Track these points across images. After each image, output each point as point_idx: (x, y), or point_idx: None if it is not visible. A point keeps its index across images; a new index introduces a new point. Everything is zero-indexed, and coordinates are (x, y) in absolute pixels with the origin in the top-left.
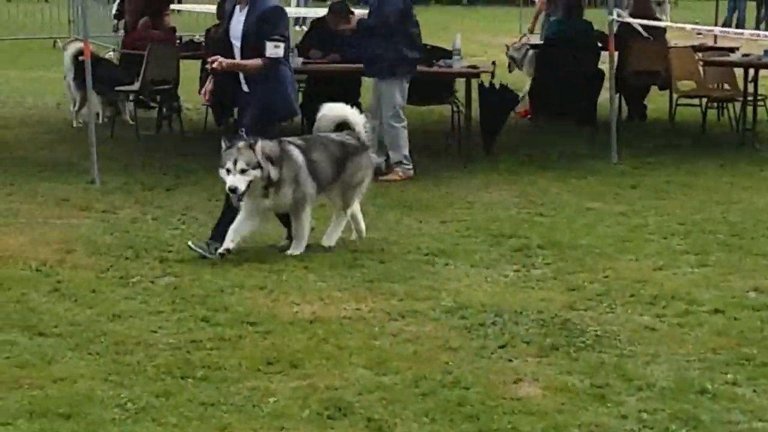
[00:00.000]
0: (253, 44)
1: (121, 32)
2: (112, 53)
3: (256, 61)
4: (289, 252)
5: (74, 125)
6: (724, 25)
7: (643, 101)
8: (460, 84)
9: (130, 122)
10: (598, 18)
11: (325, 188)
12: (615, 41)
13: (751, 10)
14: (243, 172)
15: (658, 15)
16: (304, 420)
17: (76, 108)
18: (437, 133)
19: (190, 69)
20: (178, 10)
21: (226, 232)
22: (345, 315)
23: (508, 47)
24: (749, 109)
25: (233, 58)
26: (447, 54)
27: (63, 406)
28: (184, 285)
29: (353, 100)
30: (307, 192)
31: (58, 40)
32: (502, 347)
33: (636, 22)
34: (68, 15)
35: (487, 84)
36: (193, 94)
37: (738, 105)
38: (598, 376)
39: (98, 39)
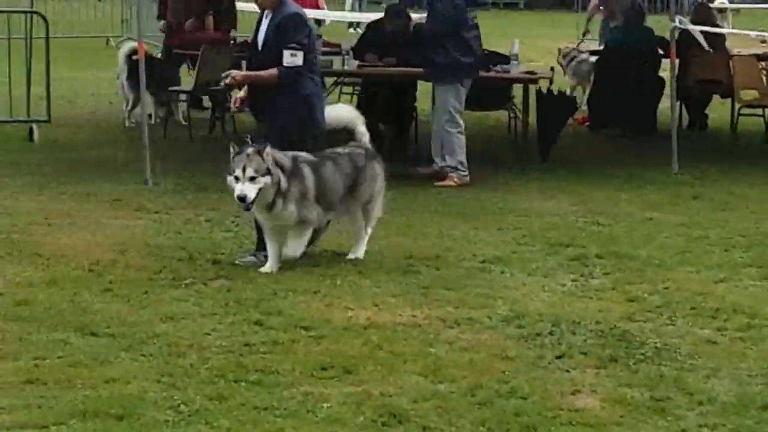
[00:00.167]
0: (272, 53)
1: None
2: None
3: (272, 72)
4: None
5: (126, 125)
6: None
7: (704, 110)
8: (517, 90)
9: (183, 123)
10: (658, 25)
11: (335, 207)
12: (676, 49)
13: None
14: (252, 179)
15: (719, 23)
16: (358, 426)
17: (129, 108)
18: (493, 139)
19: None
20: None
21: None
22: (400, 321)
23: (559, 51)
24: None
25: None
26: (504, 59)
27: (116, 406)
28: (237, 288)
29: (409, 105)
30: (311, 217)
31: (111, 38)
32: (559, 357)
33: (698, 29)
34: (121, 14)
35: (545, 90)
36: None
37: None
38: (658, 389)
39: (151, 38)
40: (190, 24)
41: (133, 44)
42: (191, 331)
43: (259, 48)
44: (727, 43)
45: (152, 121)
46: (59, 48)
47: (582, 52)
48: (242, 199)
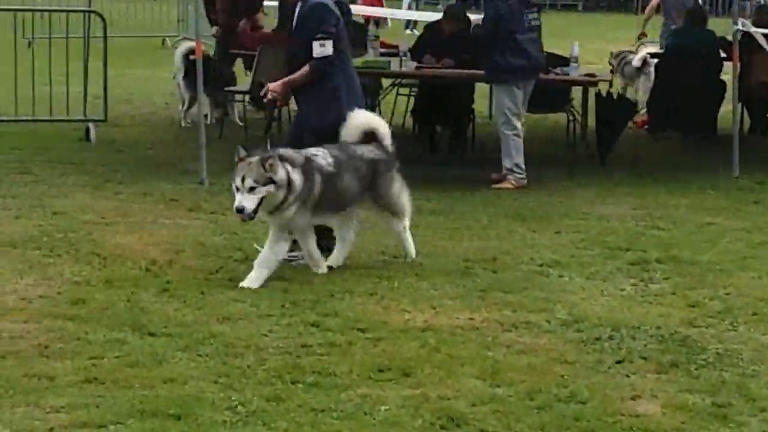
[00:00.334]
0: (302, 45)
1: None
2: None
3: (304, 70)
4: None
5: (182, 125)
6: None
7: (766, 114)
8: (576, 92)
9: (239, 123)
10: (720, 28)
11: (343, 209)
12: (738, 52)
13: None
14: (252, 190)
15: None
16: (416, 429)
17: (185, 108)
18: (552, 141)
19: None
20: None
21: (330, 239)
22: (457, 324)
23: (612, 54)
24: None
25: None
26: (563, 61)
27: (173, 406)
28: (294, 289)
29: (466, 106)
30: (301, 221)
31: (167, 38)
32: (619, 362)
33: (760, 31)
34: (177, 14)
35: (604, 93)
36: None
37: None
38: (720, 395)
39: (207, 38)
40: (243, 23)
41: (190, 44)
42: (248, 331)
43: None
44: None
45: (208, 122)
46: (115, 47)
47: (632, 53)
48: (239, 210)
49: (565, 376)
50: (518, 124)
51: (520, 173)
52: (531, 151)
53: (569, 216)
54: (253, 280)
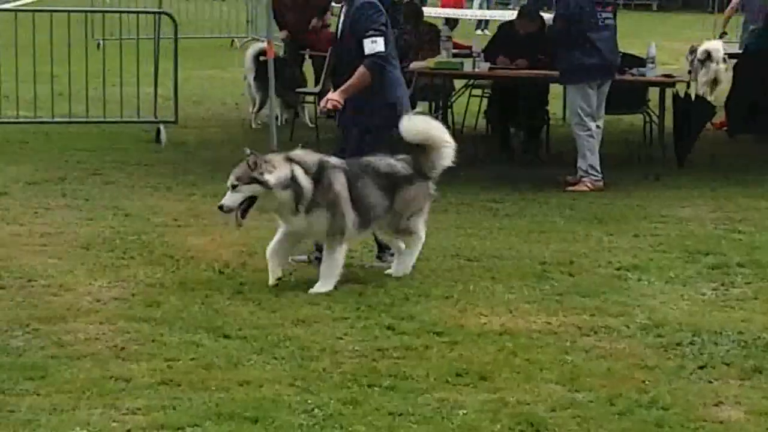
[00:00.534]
0: (350, 45)
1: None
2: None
3: (359, 72)
4: (312, 290)
5: (253, 126)
6: None
7: None
8: (653, 93)
9: (310, 125)
10: None
11: (371, 224)
12: None
13: None
14: (234, 188)
15: None
16: None
17: (255, 109)
18: (628, 143)
19: None
20: None
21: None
22: (534, 328)
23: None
24: None
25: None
26: (639, 62)
27: (249, 409)
28: (368, 292)
29: (540, 108)
30: (346, 225)
31: (236, 39)
32: (701, 368)
33: None
34: (247, 14)
35: (681, 94)
36: None
37: None
38: None
39: (276, 39)
40: (314, 22)
41: (261, 45)
42: (323, 335)
43: (339, 41)
44: None
45: (279, 123)
46: (185, 48)
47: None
48: (219, 207)
49: (646, 382)
50: (592, 125)
51: (595, 175)
52: (607, 152)
53: (647, 219)
54: (320, 286)
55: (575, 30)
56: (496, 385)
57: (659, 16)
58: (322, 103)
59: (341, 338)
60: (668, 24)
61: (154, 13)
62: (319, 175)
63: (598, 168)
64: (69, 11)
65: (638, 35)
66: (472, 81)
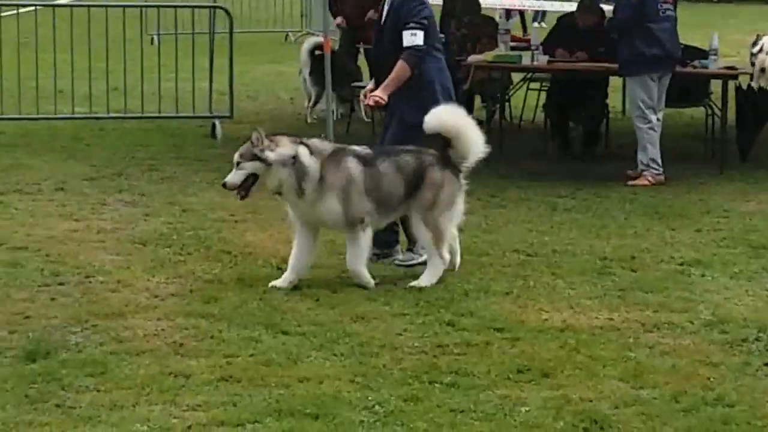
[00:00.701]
0: (391, 37)
1: None
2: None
3: (398, 68)
4: (351, 270)
5: (308, 121)
6: None
7: None
8: (715, 86)
9: (366, 119)
10: None
11: (393, 211)
12: None
13: None
14: (237, 164)
15: None
16: None
17: (311, 104)
18: (690, 136)
19: None
20: None
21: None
22: (597, 324)
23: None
24: None
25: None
26: (701, 54)
27: (310, 406)
28: (427, 288)
29: (600, 101)
30: (364, 211)
31: (290, 33)
32: (767, 364)
33: None
34: (301, 8)
35: (745, 86)
36: None
37: None
38: None
39: (331, 33)
40: (371, 14)
41: (317, 39)
42: (382, 331)
43: (380, 32)
44: None
45: (335, 118)
46: (239, 43)
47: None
48: (223, 184)
49: (711, 379)
50: (653, 118)
51: (656, 169)
52: (668, 146)
53: (710, 213)
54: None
55: (636, 20)
56: (559, 381)
57: (720, 8)
58: (366, 100)
59: (401, 334)
60: (730, 15)
61: (209, 7)
62: (332, 158)
63: (659, 161)
64: (124, 6)
65: (699, 26)
66: (530, 74)
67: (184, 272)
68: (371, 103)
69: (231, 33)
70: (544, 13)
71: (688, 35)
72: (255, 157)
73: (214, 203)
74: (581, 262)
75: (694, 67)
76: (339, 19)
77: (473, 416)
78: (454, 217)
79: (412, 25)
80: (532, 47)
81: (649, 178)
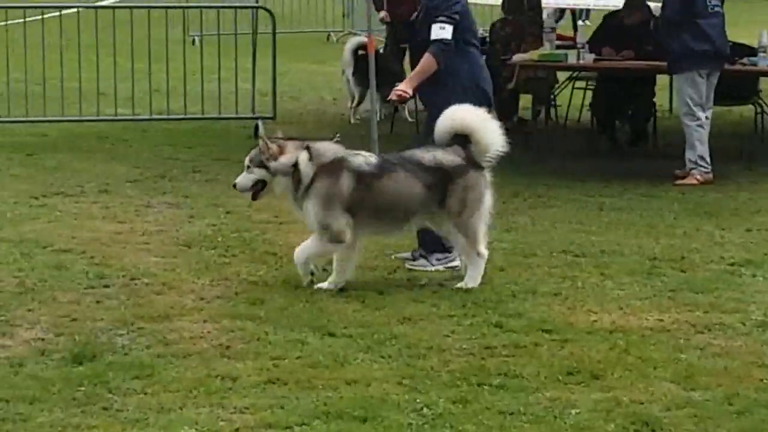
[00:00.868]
0: (423, 29)
1: None
2: None
3: (425, 60)
4: (320, 285)
5: (351, 122)
6: None
7: None
8: (764, 83)
9: (410, 119)
10: None
11: (402, 221)
12: None
13: None
14: (247, 168)
15: None
16: None
17: (355, 104)
18: (739, 135)
19: None
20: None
21: (430, 239)
22: (647, 325)
23: None
24: None
25: None
26: (750, 51)
27: (357, 408)
28: (474, 289)
29: (647, 99)
30: (341, 224)
31: (332, 33)
32: None
33: None
34: (343, 8)
35: None
36: None
37: None
38: None
39: (373, 33)
40: (383, 15)
41: (359, 39)
42: (430, 332)
43: (413, 25)
44: None
45: (378, 118)
46: (281, 43)
47: None
48: (234, 185)
49: (765, 380)
50: (701, 115)
51: (705, 167)
52: (717, 144)
53: (760, 212)
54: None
55: (686, 16)
56: (609, 383)
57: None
58: (391, 95)
59: (448, 336)
60: None
61: (252, 8)
62: (327, 167)
63: (708, 160)
64: (167, 7)
65: (746, 24)
66: (576, 73)
67: (230, 274)
68: (395, 97)
69: (274, 33)
70: (588, 11)
71: (736, 33)
72: (261, 165)
73: (258, 204)
74: (630, 262)
75: (743, 64)
76: (383, 14)
77: (523, 419)
78: (484, 214)
79: (442, 18)
80: (578, 46)
81: (698, 177)
